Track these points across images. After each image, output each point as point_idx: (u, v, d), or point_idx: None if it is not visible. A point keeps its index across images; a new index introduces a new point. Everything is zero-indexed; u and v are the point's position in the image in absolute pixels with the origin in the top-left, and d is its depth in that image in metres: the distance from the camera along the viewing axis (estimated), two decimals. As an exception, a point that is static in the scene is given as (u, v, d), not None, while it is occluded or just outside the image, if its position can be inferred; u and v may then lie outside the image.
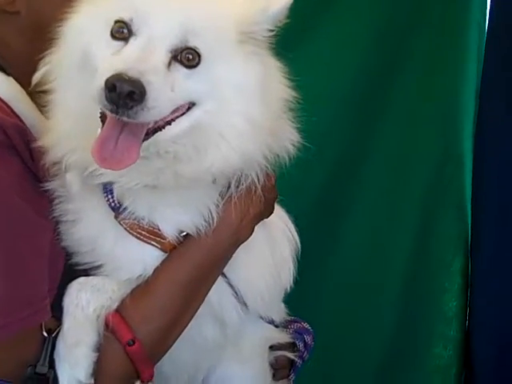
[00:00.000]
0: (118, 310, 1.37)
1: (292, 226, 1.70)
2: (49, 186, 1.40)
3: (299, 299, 1.77)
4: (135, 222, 1.39)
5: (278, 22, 1.36)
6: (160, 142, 1.32)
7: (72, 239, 1.42)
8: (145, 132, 1.26)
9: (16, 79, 1.54)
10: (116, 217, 1.39)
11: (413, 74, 2.74)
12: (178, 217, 1.41)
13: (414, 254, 2.80)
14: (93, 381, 1.32)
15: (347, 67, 2.70)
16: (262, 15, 1.34)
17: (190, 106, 1.31)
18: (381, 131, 2.77)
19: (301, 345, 1.83)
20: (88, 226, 1.41)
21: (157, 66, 1.22)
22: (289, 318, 1.84)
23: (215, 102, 1.31)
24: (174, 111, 1.28)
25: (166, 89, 1.22)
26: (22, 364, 1.31)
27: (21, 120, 1.44)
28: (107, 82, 1.16)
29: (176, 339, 1.45)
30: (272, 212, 1.57)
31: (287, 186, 1.61)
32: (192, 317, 1.45)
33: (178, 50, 1.26)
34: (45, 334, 1.33)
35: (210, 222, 1.40)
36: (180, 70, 1.27)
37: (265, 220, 1.55)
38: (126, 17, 1.27)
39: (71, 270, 1.42)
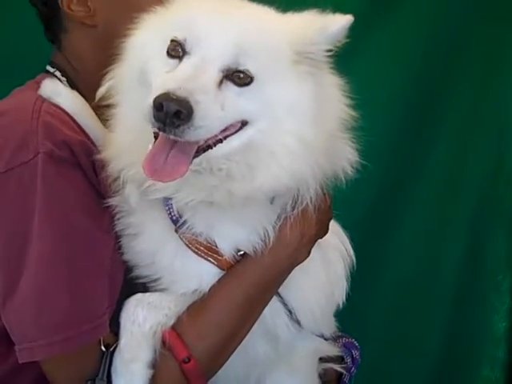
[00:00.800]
0: (174, 328, 1.39)
1: (347, 242, 1.70)
2: (111, 201, 1.42)
3: (349, 314, 1.76)
4: (194, 236, 1.40)
5: (337, 42, 1.35)
6: (213, 159, 1.34)
7: (133, 252, 1.44)
8: (195, 149, 1.27)
9: (81, 93, 1.57)
10: (176, 230, 1.41)
11: (467, 91, 2.72)
12: (234, 235, 1.42)
13: (464, 273, 2.78)
14: None
15: (399, 82, 2.69)
16: (318, 36, 1.34)
17: (243, 124, 1.32)
18: (433, 146, 2.76)
19: (349, 359, 1.84)
20: (148, 240, 1.43)
21: (206, 85, 1.24)
22: (338, 333, 1.84)
23: (267, 121, 1.32)
24: (225, 130, 1.29)
25: (215, 108, 1.24)
26: (82, 378, 1.35)
27: (85, 134, 1.48)
28: (155, 101, 1.18)
29: (230, 355, 1.46)
30: (327, 232, 1.57)
31: (339, 199, 1.60)
32: (246, 334, 1.47)
33: (230, 70, 1.28)
34: (103, 348, 1.36)
35: (267, 241, 1.41)
36: (231, 89, 1.28)
37: (320, 241, 1.55)
38: (180, 36, 1.30)
39: (130, 285, 1.44)
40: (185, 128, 1.19)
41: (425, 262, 2.79)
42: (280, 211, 1.43)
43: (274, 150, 1.33)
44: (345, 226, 1.72)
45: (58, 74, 1.66)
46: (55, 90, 1.51)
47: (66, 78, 1.65)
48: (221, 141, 1.30)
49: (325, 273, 1.60)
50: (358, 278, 1.71)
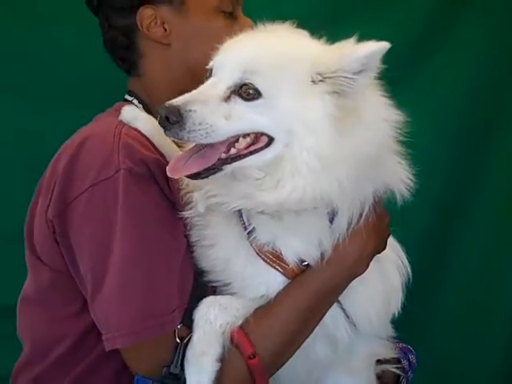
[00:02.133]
0: (241, 327, 1.51)
1: (404, 256, 1.76)
2: (183, 213, 1.56)
3: (408, 326, 1.83)
4: (262, 246, 1.52)
5: (374, 68, 1.41)
6: (247, 169, 1.45)
7: (208, 260, 1.57)
8: (216, 158, 1.42)
9: (156, 117, 1.71)
10: (249, 240, 1.52)
11: None
12: (296, 246, 1.51)
13: None
14: None
15: (454, 100, 2.71)
16: (342, 59, 1.40)
17: (270, 139, 1.43)
18: (489, 168, 2.75)
19: (405, 363, 1.90)
20: (223, 249, 1.55)
21: (208, 98, 1.40)
22: (394, 340, 1.91)
23: (288, 136, 1.42)
24: (255, 142, 1.43)
25: (214, 116, 1.38)
26: (159, 365, 1.49)
27: (161, 154, 1.62)
28: (158, 110, 1.39)
29: (291, 356, 1.57)
30: (385, 248, 1.64)
31: (394, 218, 1.66)
32: (307, 338, 1.57)
33: (238, 85, 1.41)
34: (178, 340, 1.50)
35: (325, 254, 1.50)
36: (238, 102, 1.41)
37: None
38: (210, 65, 1.49)
39: (202, 287, 1.57)
40: (177, 130, 1.37)
41: (482, 284, 2.79)
42: (337, 227, 1.51)
43: (298, 165, 1.42)
44: (402, 242, 1.77)
45: (135, 101, 1.82)
46: (134, 115, 1.67)
47: (142, 104, 1.81)
48: (251, 153, 1.43)
49: (381, 284, 1.68)
50: (416, 290, 1.77)
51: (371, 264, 1.60)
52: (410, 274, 1.76)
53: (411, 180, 1.57)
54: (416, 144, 1.54)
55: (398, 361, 1.91)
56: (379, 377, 1.87)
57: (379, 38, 1.40)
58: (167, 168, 1.43)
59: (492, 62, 2.72)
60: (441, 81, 2.72)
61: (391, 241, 1.71)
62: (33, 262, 1.67)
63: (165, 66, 1.81)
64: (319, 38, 1.55)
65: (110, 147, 1.52)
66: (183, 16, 1.78)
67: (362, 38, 1.43)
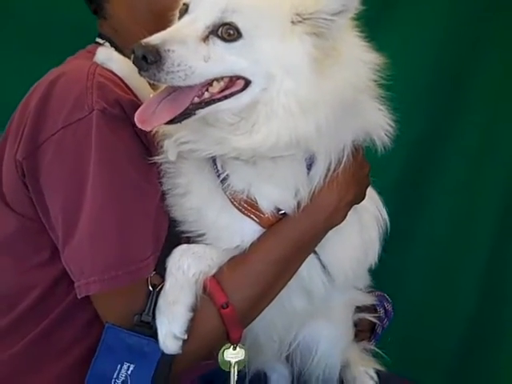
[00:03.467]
0: (215, 276, 1.47)
1: (382, 208, 1.72)
2: (157, 159, 1.49)
3: (383, 274, 1.82)
4: (237, 194, 1.47)
5: (352, 8, 1.36)
6: (221, 113, 1.40)
7: (180, 210, 1.51)
8: (188, 103, 1.35)
9: (128, 57, 1.62)
10: (224, 189, 1.47)
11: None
12: (272, 194, 1.46)
13: (498, 231, 2.79)
14: (186, 336, 1.43)
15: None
16: (320, 0, 1.36)
17: (246, 82, 1.37)
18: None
19: (381, 311, 1.91)
20: (195, 198, 1.50)
21: (186, 37, 1.32)
22: (370, 289, 1.90)
23: (266, 79, 1.36)
24: (229, 87, 1.37)
25: (193, 57, 1.31)
26: (131, 313, 1.45)
27: (136, 96, 1.54)
28: (132, 48, 1.30)
29: (266, 307, 1.53)
30: (364, 198, 1.60)
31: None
32: (282, 288, 1.53)
33: (217, 25, 1.34)
34: (150, 288, 1.46)
35: (302, 203, 1.45)
36: (217, 43, 1.34)
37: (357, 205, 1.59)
38: (187, 1, 1.40)
39: (176, 234, 1.52)
40: (154, 71, 1.29)
41: (457, 220, 2.81)
42: (315, 175, 1.46)
43: (275, 109, 1.37)
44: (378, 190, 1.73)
45: (106, 44, 1.74)
46: (108, 57, 1.60)
47: (114, 46, 1.73)
48: (226, 97, 1.37)
49: (359, 236, 1.64)
50: (391, 239, 1.74)
51: (349, 215, 1.56)
52: (388, 225, 1.73)
53: (391, 126, 1.52)
54: (392, 88, 1.50)
55: (374, 309, 1.92)
56: (355, 324, 1.88)
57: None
58: (136, 118, 1.36)
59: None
60: (417, 24, 2.69)
61: (370, 191, 1.67)
62: None
63: (130, 10, 1.73)
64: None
65: (83, 86, 1.44)
66: None
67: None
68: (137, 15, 1.72)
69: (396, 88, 1.48)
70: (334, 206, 1.49)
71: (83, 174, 1.41)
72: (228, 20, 1.34)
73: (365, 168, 1.57)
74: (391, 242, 1.73)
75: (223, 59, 1.35)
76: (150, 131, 1.46)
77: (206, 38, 1.34)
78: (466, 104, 2.77)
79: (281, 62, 1.36)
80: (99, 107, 1.42)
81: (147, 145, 1.50)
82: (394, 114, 1.53)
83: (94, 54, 1.63)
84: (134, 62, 1.31)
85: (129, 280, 1.42)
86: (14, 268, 1.58)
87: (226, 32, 1.34)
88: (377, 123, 1.52)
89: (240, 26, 1.34)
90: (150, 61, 1.28)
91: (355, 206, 1.58)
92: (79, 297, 1.44)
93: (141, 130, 1.45)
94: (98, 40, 1.78)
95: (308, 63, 1.36)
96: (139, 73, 1.32)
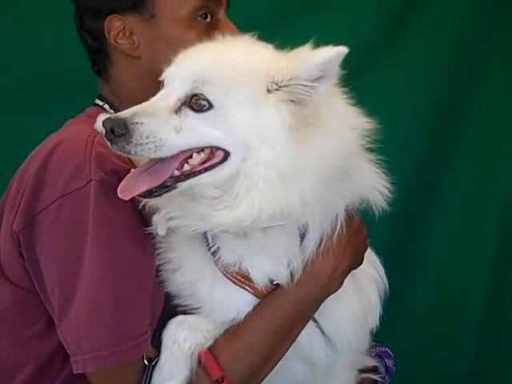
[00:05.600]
0: (210, 349, 1.43)
1: (381, 269, 1.67)
2: (151, 229, 1.45)
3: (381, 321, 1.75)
4: (229, 266, 1.43)
5: (332, 73, 1.32)
6: (200, 187, 1.37)
7: (174, 285, 1.48)
8: (167, 175, 1.33)
9: None
10: (215, 261, 1.43)
11: (495, 92, 2.71)
12: (265, 266, 1.43)
13: (495, 275, 2.76)
14: None
15: (426, 84, 2.70)
16: (297, 66, 1.32)
17: (226, 154, 1.34)
18: (461, 149, 2.77)
19: (382, 369, 1.84)
20: (188, 272, 1.46)
21: (157, 110, 1.32)
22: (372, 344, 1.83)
23: (244, 149, 1.33)
24: (211, 158, 1.34)
25: (164, 129, 1.30)
26: None
27: (134, 165, 1.50)
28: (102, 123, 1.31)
29: (263, 379, 1.48)
30: (362, 263, 1.56)
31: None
32: (279, 359, 1.48)
33: (188, 96, 1.33)
34: (146, 362, 1.42)
35: (295, 274, 1.41)
36: (189, 114, 1.33)
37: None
38: (162, 77, 1.41)
39: (171, 306, 1.48)
40: (123, 144, 1.29)
41: (455, 263, 2.78)
42: (308, 244, 1.42)
43: (255, 181, 1.33)
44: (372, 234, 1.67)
45: (106, 107, 1.71)
46: None
47: (113, 109, 1.69)
48: (206, 169, 1.34)
49: (357, 302, 1.59)
50: (389, 285, 1.69)
51: (347, 281, 1.51)
52: (387, 287, 1.67)
53: (388, 189, 1.48)
54: (386, 137, 1.46)
55: (375, 368, 1.85)
56: (359, 384, 1.82)
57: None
58: (118, 188, 1.34)
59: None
60: (412, 62, 2.69)
61: (368, 253, 1.62)
62: None
63: (135, 75, 1.69)
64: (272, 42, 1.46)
65: (81, 156, 1.42)
66: (154, 27, 1.64)
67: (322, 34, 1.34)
68: (142, 81, 1.67)
69: (389, 131, 1.45)
70: (329, 275, 1.45)
71: (80, 247, 1.38)
72: (198, 91, 1.32)
73: (362, 232, 1.53)
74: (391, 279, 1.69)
75: (195, 130, 1.32)
76: (144, 204, 1.43)
77: (178, 110, 1.33)
78: (464, 144, 2.78)
79: (255, 131, 1.32)
80: (97, 178, 1.39)
81: (145, 216, 1.47)
82: (391, 176, 1.49)
83: (93, 118, 1.61)
84: (105, 136, 1.31)
85: (127, 357, 1.39)
86: (8, 341, 1.53)
87: (197, 103, 1.32)
88: (373, 187, 1.48)
89: (210, 97, 1.32)
90: (117, 133, 1.28)
91: (353, 271, 1.54)
92: (75, 372, 1.40)
93: (137, 199, 1.43)
94: (98, 102, 1.74)
95: (285, 131, 1.32)
96: (111, 146, 1.31)
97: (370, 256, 1.64)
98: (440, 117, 2.74)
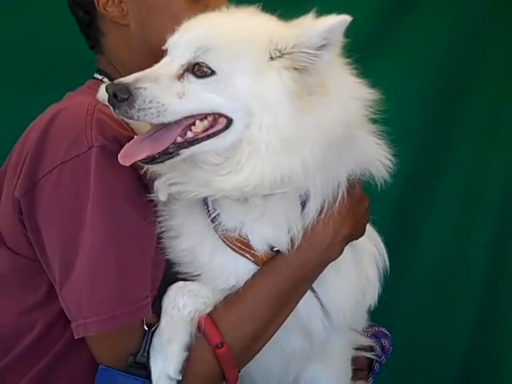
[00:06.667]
0: (209, 315, 1.43)
1: (382, 247, 1.68)
2: (153, 196, 1.46)
3: (379, 306, 1.75)
4: (229, 233, 1.43)
5: (335, 42, 1.33)
6: (203, 154, 1.37)
7: (174, 252, 1.48)
8: (169, 141, 1.34)
9: None
10: (214, 229, 1.44)
11: (490, 89, 2.71)
12: (265, 232, 1.43)
13: (492, 264, 2.75)
14: (180, 377, 1.39)
15: (422, 79, 2.69)
16: (301, 34, 1.34)
17: (228, 121, 1.35)
18: (456, 145, 2.76)
19: (378, 348, 1.85)
20: (188, 239, 1.47)
21: (160, 76, 1.33)
22: (368, 323, 1.84)
23: (246, 116, 1.34)
24: (213, 125, 1.35)
25: (166, 94, 1.32)
26: (126, 354, 1.41)
27: (133, 131, 1.52)
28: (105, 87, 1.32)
29: (262, 346, 1.48)
30: (363, 234, 1.56)
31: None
32: (279, 327, 1.48)
33: (191, 63, 1.34)
34: (145, 328, 1.41)
35: (295, 240, 1.42)
36: (192, 80, 1.35)
37: (355, 243, 1.55)
38: (165, 46, 1.43)
39: (172, 273, 1.48)
40: (126, 108, 1.30)
41: (455, 245, 2.78)
42: (309, 212, 1.43)
43: (258, 146, 1.34)
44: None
45: (105, 80, 1.71)
46: None
47: None
48: (209, 136, 1.35)
49: (356, 275, 1.59)
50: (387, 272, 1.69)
51: (347, 254, 1.52)
52: (388, 265, 1.68)
53: (390, 160, 1.49)
54: (387, 118, 1.48)
55: (371, 347, 1.86)
56: (353, 363, 1.81)
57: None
58: (119, 154, 1.34)
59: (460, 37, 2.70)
60: (412, 52, 2.68)
61: (369, 230, 1.63)
62: None
63: (126, 45, 1.70)
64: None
65: (82, 122, 1.42)
66: None
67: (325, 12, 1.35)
68: (133, 50, 1.69)
69: (392, 121, 1.46)
70: (328, 241, 1.45)
71: (81, 212, 1.38)
72: (200, 59, 1.34)
73: (363, 203, 1.53)
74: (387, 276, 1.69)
75: (198, 96, 1.34)
76: (146, 170, 1.44)
77: (180, 76, 1.35)
78: (462, 135, 2.77)
79: (257, 97, 1.33)
80: (98, 144, 1.39)
81: (146, 183, 1.47)
82: (393, 147, 1.50)
83: (93, 89, 1.61)
84: (108, 101, 1.31)
85: (128, 320, 1.38)
86: (11, 309, 1.53)
87: (199, 70, 1.34)
88: (375, 158, 1.49)
89: (212, 64, 1.33)
90: (120, 98, 1.29)
91: (354, 242, 1.54)
92: (76, 337, 1.39)
93: (139, 167, 1.44)
94: (97, 76, 1.75)
95: (287, 98, 1.33)
96: (114, 111, 1.32)
97: (371, 233, 1.65)
98: (439, 105, 2.74)
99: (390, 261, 1.69)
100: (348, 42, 1.37)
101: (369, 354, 1.85)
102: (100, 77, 1.74)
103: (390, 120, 1.48)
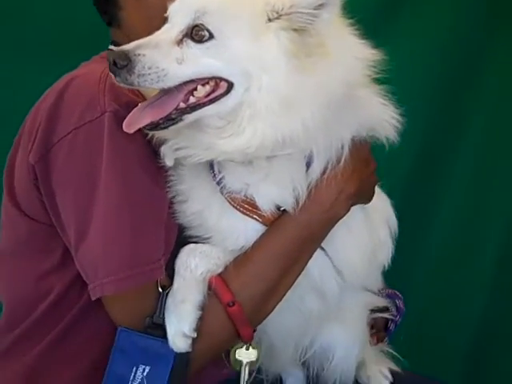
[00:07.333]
0: (220, 275, 1.46)
1: (392, 211, 1.69)
2: (163, 162, 1.48)
3: (392, 272, 1.78)
4: (236, 195, 1.46)
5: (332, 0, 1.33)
6: (206, 119, 1.39)
7: (184, 216, 1.51)
8: (172, 107, 1.36)
9: None
10: (221, 192, 1.46)
11: (495, 88, 2.72)
12: (270, 192, 1.45)
13: (503, 250, 2.77)
14: (195, 334, 1.42)
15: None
16: None
17: (229, 85, 1.36)
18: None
19: (393, 309, 1.87)
20: (196, 203, 1.49)
21: (159, 42, 1.35)
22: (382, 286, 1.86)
23: (245, 79, 1.35)
24: (215, 90, 1.36)
25: (166, 60, 1.33)
26: (142, 315, 1.44)
27: (145, 98, 1.52)
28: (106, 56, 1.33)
29: (274, 306, 1.50)
30: (371, 197, 1.57)
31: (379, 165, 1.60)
32: (289, 287, 1.50)
33: (189, 28, 1.35)
34: (160, 290, 1.45)
35: (299, 199, 1.44)
36: (191, 45, 1.35)
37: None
38: (167, 14, 1.43)
39: (183, 237, 1.51)
40: (126, 75, 1.32)
41: (467, 216, 2.78)
42: (312, 171, 1.44)
43: (258, 108, 1.35)
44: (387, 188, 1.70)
45: None
46: None
47: None
48: (211, 101, 1.37)
49: (368, 235, 1.60)
50: (401, 235, 1.71)
51: (358, 213, 1.54)
52: (397, 227, 1.70)
53: (397, 121, 1.50)
54: (397, 87, 1.48)
55: (386, 308, 1.88)
56: (370, 327, 1.84)
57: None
58: (124, 122, 1.37)
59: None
60: (423, 23, 2.69)
61: (379, 193, 1.64)
62: (10, 212, 1.59)
63: (144, 17, 1.71)
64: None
65: (95, 88, 1.44)
66: None
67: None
68: (151, 23, 1.64)
69: (399, 84, 1.46)
70: (333, 199, 1.46)
71: (95, 176, 1.40)
72: (198, 21, 1.35)
73: (369, 165, 1.54)
74: (401, 239, 1.71)
75: (197, 60, 1.35)
76: (152, 136, 1.46)
77: (180, 42, 1.36)
78: (474, 99, 2.75)
79: (256, 59, 1.34)
80: (111, 109, 1.41)
81: (157, 149, 1.49)
82: (400, 108, 1.50)
83: (106, 58, 1.63)
84: (109, 69, 1.34)
85: (144, 280, 1.42)
86: (28, 275, 1.58)
87: (197, 34, 1.35)
88: (381, 118, 1.49)
89: (210, 26, 1.34)
90: (119, 65, 1.31)
91: (363, 205, 1.55)
92: (93, 298, 1.42)
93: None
94: (111, 47, 1.75)
95: (285, 59, 1.34)
96: (115, 79, 1.34)
97: (379, 194, 1.66)
98: (457, 71, 2.74)
99: (403, 222, 1.71)
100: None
101: (385, 315, 1.87)
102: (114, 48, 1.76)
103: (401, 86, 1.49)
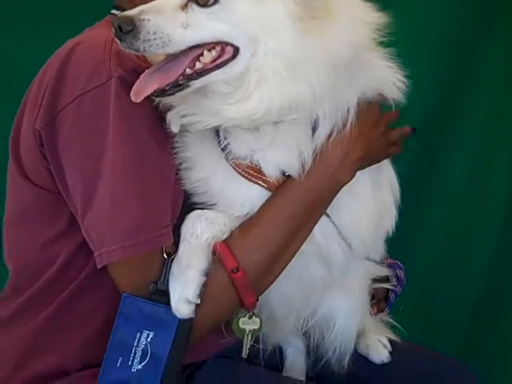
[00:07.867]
0: (225, 241, 1.45)
1: (394, 176, 1.69)
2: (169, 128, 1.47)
3: (396, 242, 1.78)
4: (241, 161, 1.45)
5: None
6: (213, 84, 1.39)
7: (189, 182, 1.50)
8: (178, 73, 1.35)
9: None
10: (226, 158, 1.46)
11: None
12: (276, 158, 1.44)
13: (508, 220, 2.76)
14: (199, 301, 1.41)
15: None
16: None
17: (235, 49, 1.35)
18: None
19: (394, 279, 1.88)
20: (201, 169, 1.49)
21: (164, 7, 1.33)
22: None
23: (251, 43, 1.34)
24: (221, 55, 1.36)
25: (171, 25, 1.32)
26: (147, 282, 1.44)
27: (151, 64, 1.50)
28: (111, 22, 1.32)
29: (279, 273, 1.49)
30: (381, 159, 1.56)
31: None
32: (294, 253, 1.49)
33: None
34: (165, 256, 1.44)
35: (305, 163, 1.43)
36: (195, 10, 1.33)
37: (373, 167, 1.55)
38: None
39: (190, 204, 1.51)
40: (132, 40, 1.31)
41: (472, 185, 2.78)
42: (318, 136, 1.44)
43: (265, 73, 1.35)
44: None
45: None
46: None
47: None
48: (218, 66, 1.36)
49: (374, 200, 1.59)
50: (404, 205, 1.71)
51: (364, 178, 1.53)
52: (399, 194, 1.70)
53: (404, 82, 1.49)
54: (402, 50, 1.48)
55: (387, 278, 1.89)
56: (373, 296, 1.86)
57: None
58: (131, 91, 1.36)
59: None
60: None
61: (385, 162, 1.64)
62: (17, 179, 1.58)
63: None
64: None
65: (101, 54, 1.42)
66: None
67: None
68: None
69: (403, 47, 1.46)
70: (338, 163, 1.45)
71: (101, 142, 1.39)
72: None
73: (378, 127, 1.52)
74: (403, 208, 1.70)
75: (202, 25, 1.34)
76: (159, 102, 1.45)
77: (184, 6, 1.34)
78: (480, 71, 2.73)
79: (261, 23, 1.33)
80: (117, 74, 1.40)
81: (163, 115, 1.48)
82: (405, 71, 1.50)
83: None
84: (114, 34, 1.33)
85: (150, 247, 1.41)
86: (35, 242, 1.57)
87: None
88: (387, 80, 1.48)
89: None
90: (125, 30, 1.30)
91: (370, 168, 1.54)
92: (100, 266, 1.41)
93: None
94: (114, 12, 1.74)
95: (290, 22, 1.33)
96: (120, 44, 1.33)
97: (386, 163, 1.65)
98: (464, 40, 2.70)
99: (409, 196, 1.72)
100: None
101: (386, 285, 1.87)
102: (117, 12, 1.71)
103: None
